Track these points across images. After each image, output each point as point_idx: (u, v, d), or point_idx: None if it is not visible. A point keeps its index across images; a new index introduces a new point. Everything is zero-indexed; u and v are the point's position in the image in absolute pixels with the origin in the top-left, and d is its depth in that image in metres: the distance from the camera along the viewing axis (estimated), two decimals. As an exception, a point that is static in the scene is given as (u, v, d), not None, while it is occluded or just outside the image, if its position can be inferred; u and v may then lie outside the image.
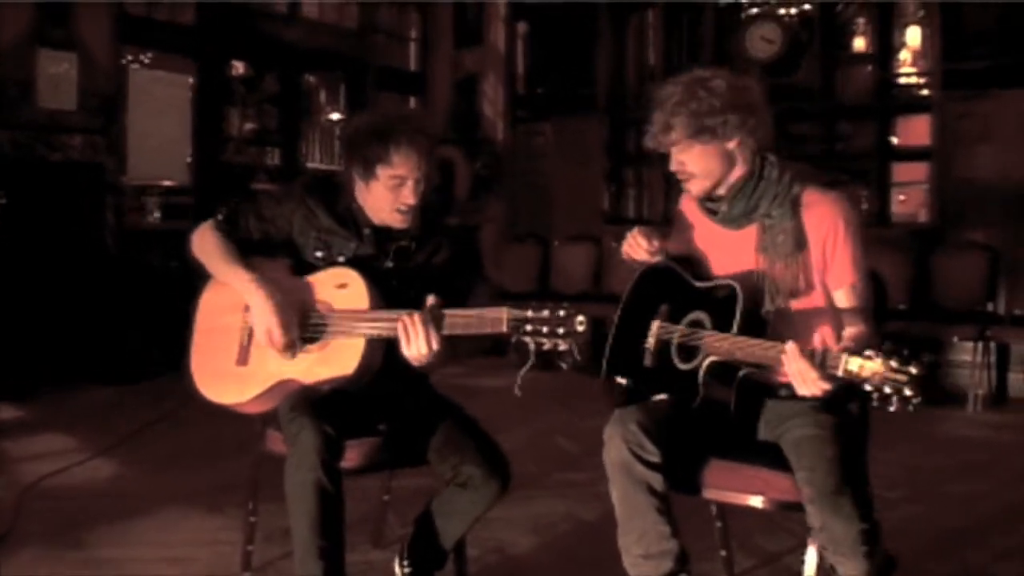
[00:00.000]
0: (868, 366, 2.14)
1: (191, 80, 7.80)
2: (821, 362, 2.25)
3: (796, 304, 2.57)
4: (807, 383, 2.29)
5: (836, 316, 2.57)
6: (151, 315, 6.89)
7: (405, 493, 3.55)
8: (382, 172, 2.70)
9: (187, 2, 7.66)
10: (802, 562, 2.50)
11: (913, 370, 2.10)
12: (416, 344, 2.52)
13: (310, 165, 9.16)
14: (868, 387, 2.14)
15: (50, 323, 6.39)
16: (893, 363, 2.11)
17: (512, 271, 8.21)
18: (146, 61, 7.61)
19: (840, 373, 2.21)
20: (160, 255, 7.16)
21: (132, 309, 6.83)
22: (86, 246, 6.80)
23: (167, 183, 7.74)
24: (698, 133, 2.54)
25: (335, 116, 9.65)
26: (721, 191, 2.64)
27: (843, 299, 2.58)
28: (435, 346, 2.52)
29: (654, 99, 2.63)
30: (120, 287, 6.86)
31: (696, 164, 2.60)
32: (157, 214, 7.75)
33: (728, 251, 2.67)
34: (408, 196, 2.72)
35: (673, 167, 2.65)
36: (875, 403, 2.15)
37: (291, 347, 2.70)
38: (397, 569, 2.90)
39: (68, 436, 5.11)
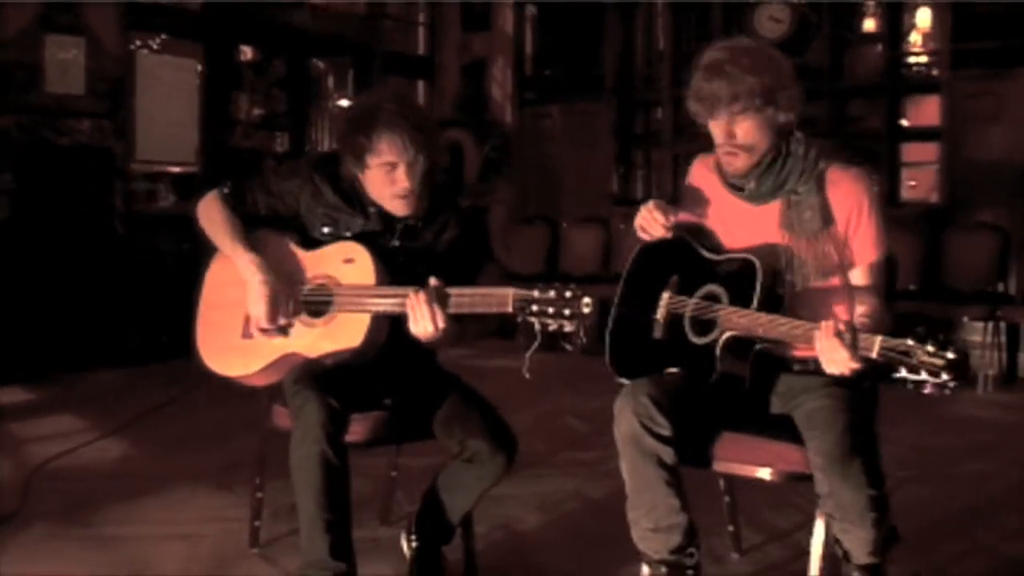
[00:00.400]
0: (903, 349, 2.13)
1: (199, 65, 7.79)
2: (852, 342, 2.23)
3: (815, 282, 2.54)
4: (837, 362, 2.26)
5: (851, 294, 2.55)
6: (160, 298, 6.90)
7: (413, 471, 3.56)
8: (372, 160, 2.69)
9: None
10: (810, 537, 2.49)
11: (950, 355, 2.09)
12: (423, 322, 2.52)
13: (320, 150, 9.16)
14: (904, 370, 2.14)
15: (59, 307, 6.41)
16: (929, 347, 2.11)
17: (521, 253, 8.21)
18: (154, 46, 7.60)
19: (874, 355, 2.19)
20: (168, 239, 7.18)
21: (141, 292, 6.85)
22: (95, 230, 6.82)
23: (175, 167, 7.74)
24: (766, 104, 2.47)
25: (343, 102, 9.63)
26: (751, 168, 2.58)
27: (860, 277, 2.55)
28: (441, 324, 2.52)
29: (702, 66, 2.52)
30: (128, 271, 6.88)
31: (750, 135, 2.51)
32: (165, 198, 7.76)
33: (747, 226, 2.62)
34: (402, 180, 2.69)
35: (720, 139, 2.55)
36: (909, 386, 2.14)
37: (271, 334, 2.71)
38: (404, 543, 2.90)
39: (77, 418, 5.13)
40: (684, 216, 2.73)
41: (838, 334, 2.23)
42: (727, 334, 2.48)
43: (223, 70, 7.98)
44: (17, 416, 5.16)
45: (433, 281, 2.55)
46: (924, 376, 2.09)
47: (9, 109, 6.44)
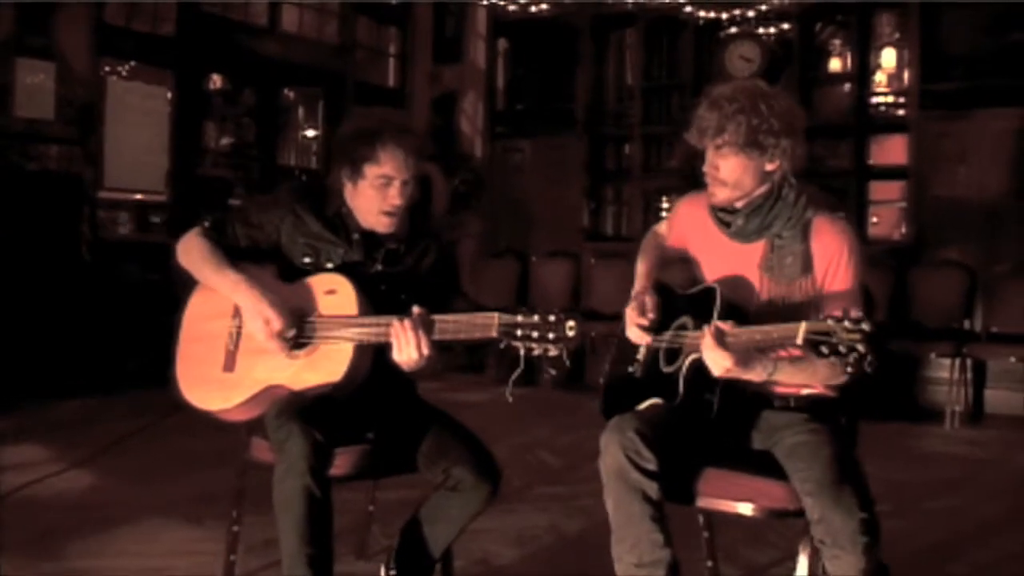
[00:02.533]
0: (825, 329, 2.21)
1: (169, 92, 7.76)
2: (722, 343, 2.36)
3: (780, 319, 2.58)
4: (713, 361, 2.39)
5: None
6: (126, 327, 6.84)
7: (389, 504, 3.52)
8: (369, 171, 2.70)
9: (167, 13, 7.62)
10: (787, 572, 2.50)
11: (865, 327, 2.18)
12: (407, 350, 2.52)
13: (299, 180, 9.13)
14: (824, 350, 2.21)
15: (24, 334, 6.31)
16: (847, 324, 2.19)
17: (491, 286, 8.19)
18: (124, 73, 7.57)
19: (799, 340, 2.26)
20: (135, 267, 7.12)
21: (108, 321, 6.78)
22: (62, 257, 6.75)
23: (144, 195, 7.69)
24: (748, 145, 2.52)
25: (311, 133, 9.64)
26: (739, 204, 2.63)
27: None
28: (426, 351, 2.52)
29: (708, 96, 2.59)
30: (95, 299, 6.79)
31: (731, 174, 2.57)
32: (133, 226, 7.70)
33: (728, 262, 2.68)
34: (395, 197, 2.72)
35: (706, 168, 2.63)
36: (827, 363, 2.30)
37: (288, 338, 2.66)
38: (383, 578, 2.87)
39: (43, 447, 5.04)
40: (670, 236, 2.87)
41: (715, 332, 2.36)
42: (691, 357, 2.53)
43: (193, 98, 7.97)
44: (-18, 445, 5.07)
45: (416, 309, 2.54)
46: (844, 351, 2.18)
47: (-23, 133, 6.38)
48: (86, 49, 7.00)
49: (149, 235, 7.75)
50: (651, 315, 2.66)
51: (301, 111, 9.79)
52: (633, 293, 2.76)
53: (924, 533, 4.02)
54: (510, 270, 8.37)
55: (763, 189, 2.61)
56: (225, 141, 8.72)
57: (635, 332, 2.68)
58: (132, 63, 7.62)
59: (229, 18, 8.06)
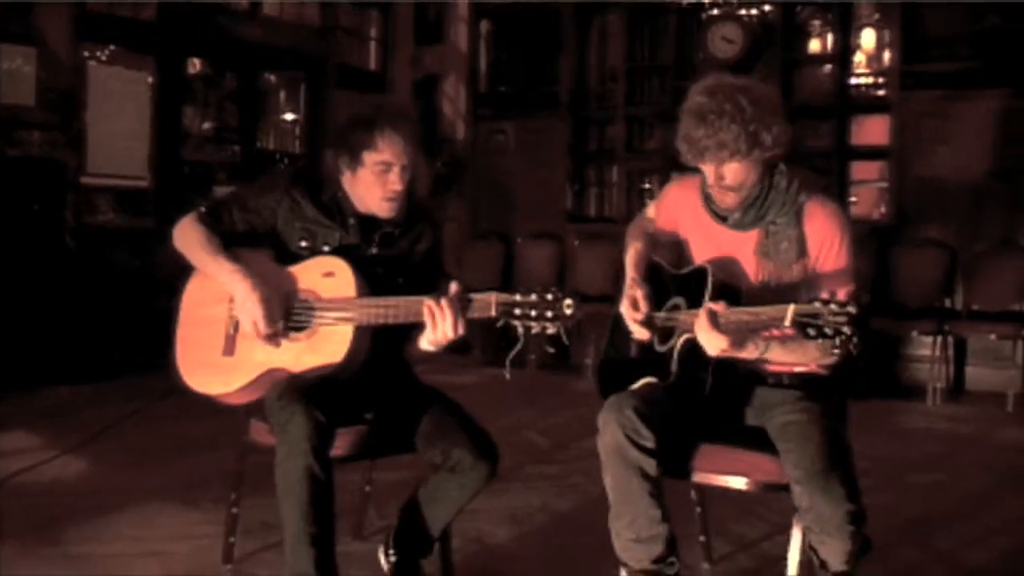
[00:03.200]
0: (813, 312, 2.26)
1: (150, 77, 7.73)
2: (716, 324, 2.41)
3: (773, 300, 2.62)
4: (708, 343, 2.43)
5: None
6: (112, 314, 6.83)
7: (384, 485, 3.58)
8: (368, 158, 2.72)
9: (148, -1, 7.59)
10: (778, 547, 2.55)
11: (851, 309, 2.22)
12: (443, 327, 2.51)
13: (267, 164, 9.11)
14: (812, 332, 2.25)
15: (10, 323, 6.29)
16: (833, 307, 2.24)
17: (475, 268, 8.22)
18: (103, 58, 7.53)
19: (788, 323, 2.30)
20: (120, 253, 7.11)
21: (92, 308, 6.76)
22: (45, 243, 6.70)
23: (126, 180, 7.65)
24: (750, 150, 2.51)
25: (290, 116, 9.61)
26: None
27: None
28: (461, 331, 2.52)
29: (690, 111, 2.56)
30: (79, 286, 6.77)
31: (737, 177, 2.57)
32: (116, 211, 7.67)
33: (723, 248, 2.71)
34: (395, 183, 2.75)
35: (710, 180, 2.61)
36: (815, 345, 2.33)
37: (276, 336, 2.70)
38: (382, 558, 2.91)
39: (33, 435, 5.02)
40: (659, 221, 2.92)
41: (708, 314, 2.41)
42: (683, 337, 2.57)
43: (174, 83, 7.92)
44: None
45: (454, 286, 2.54)
46: (831, 332, 2.23)
47: (-42, 120, 6.34)
48: (66, 35, 6.93)
49: (132, 220, 7.73)
50: (644, 308, 2.68)
51: (282, 95, 9.75)
52: (625, 284, 2.79)
53: (907, 507, 4.09)
54: (494, 252, 8.40)
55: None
56: (207, 125, 8.67)
57: (633, 327, 2.71)
58: (112, 48, 7.58)
59: (210, 2, 8.01)
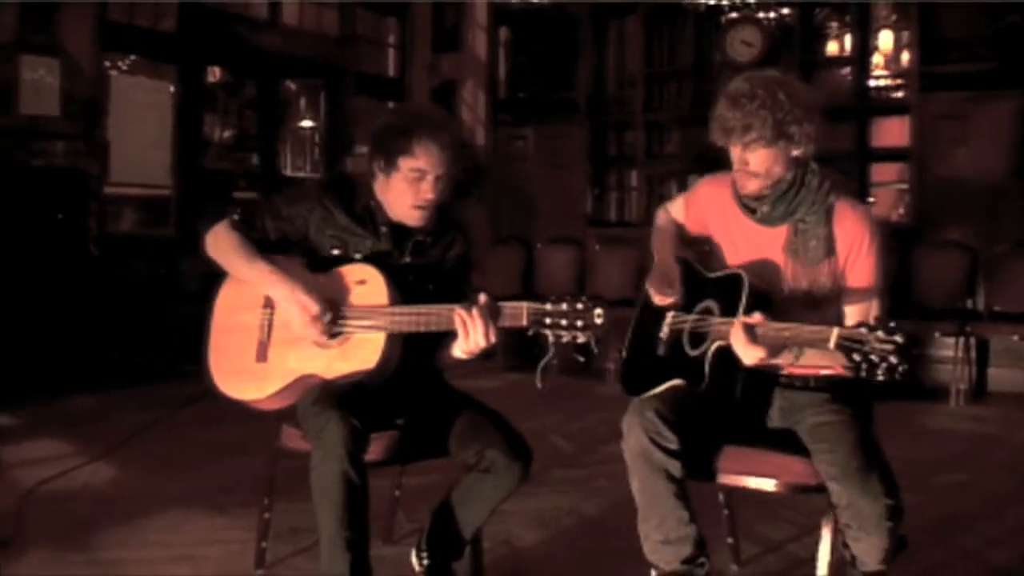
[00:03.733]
0: (859, 338, 2.26)
1: (171, 86, 7.79)
2: (753, 337, 2.44)
3: (803, 306, 2.64)
4: (746, 355, 2.46)
5: (838, 314, 2.65)
6: (135, 321, 6.89)
7: (411, 490, 3.60)
8: (403, 163, 2.73)
9: (168, 9, 7.65)
10: (806, 549, 2.56)
11: (898, 339, 2.23)
12: (475, 337, 2.53)
13: (287, 173, 9.17)
14: (857, 357, 2.26)
15: (34, 330, 6.35)
16: (880, 334, 2.24)
17: (496, 274, 8.23)
18: (124, 68, 7.60)
19: (831, 345, 2.31)
20: (142, 261, 7.17)
21: (116, 315, 6.82)
22: (69, 252, 6.77)
23: (149, 189, 7.73)
24: (777, 138, 2.55)
25: (307, 124, 9.67)
26: (765, 191, 2.68)
27: (858, 312, 2.62)
28: (493, 339, 2.54)
29: (726, 94, 2.62)
30: (103, 293, 6.83)
31: (762, 165, 2.60)
32: (139, 220, 7.75)
33: (753, 245, 2.73)
34: (427, 191, 2.76)
35: (735, 164, 2.66)
36: (862, 374, 2.27)
37: (327, 321, 2.70)
38: (414, 561, 2.93)
39: (61, 442, 5.07)
40: (687, 221, 2.93)
41: (746, 329, 2.42)
42: (716, 344, 2.59)
43: (195, 91, 7.99)
44: (2, 440, 5.10)
45: (483, 297, 2.56)
46: (877, 360, 2.23)
47: (-17, 130, 6.41)
48: (89, 45, 7.01)
49: (155, 229, 7.80)
50: (678, 286, 2.71)
51: (302, 102, 9.82)
52: (655, 264, 2.80)
53: (933, 508, 4.08)
54: (515, 257, 8.42)
55: (789, 175, 2.65)
56: (227, 134, 8.75)
57: (659, 297, 2.73)
58: (134, 58, 7.66)
59: (229, 12, 8.07)
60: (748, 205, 2.72)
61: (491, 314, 2.53)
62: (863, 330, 2.26)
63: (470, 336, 2.53)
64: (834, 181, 2.69)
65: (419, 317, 2.62)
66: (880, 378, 2.28)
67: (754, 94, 2.55)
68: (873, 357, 2.23)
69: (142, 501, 4.02)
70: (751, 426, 2.71)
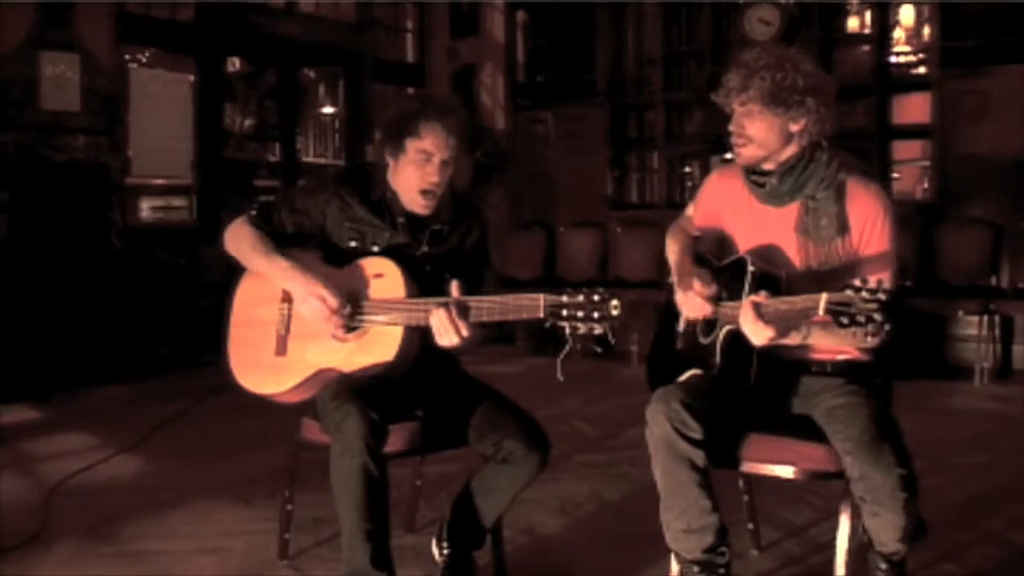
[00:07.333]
0: (845, 300, 2.27)
1: (191, 77, 7.82)
2: (760, 315, 2.43)
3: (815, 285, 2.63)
4: (753, 334, 2.45)
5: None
6: (159, 313, 6.94)
7: (433, 479, 3.63)
8: (410, 145, 2.76)
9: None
10: (826, 533, 2.56)
11: (882, 296, 2.24)
12: (448, 335, 2.60)
13: (306, 160, 9.19)
14: (844, 320, 2.27)
15: (59, 324, 6.42)
16: (864, 294, 2.25)
17: (518, 258, 8.26)
18: (143, 60, 7.63)
19: (821, 312, 2.31)
20: (165, 253, 7.22)
21: (139, 307, 6.88)
22: (93, 246, 6.83)
23: (171, 181, 7.78)
24: (772, 102, 2.57)
25: (328, 110, 9.67)
26: (770, 166, 2.67)
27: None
28: (465, 335, 2.59)
29: (736, 60, 2.65)
30: (127, 286, 6.89)
31: (756, 130, 2.62)
32: (161, 212, 7.79)
33: (764, 227, 2.72)
34: (432, 174, 2.78)
35: (732, 127, 2.67)
36: (854, 336, 2.35)
37: (346, 313, 2.73)
38: (435, 550, 2.96)
39: (87, 435, 5.13)
40: (698, 214, 2.95)
41: (753, 307, 2.43)
42: (725, 328, 2.60)
43: (215, 82, 8.01)
44: (26, 435, 5.16)
45: (455, 293, 2.61)
46: (863, 320, 2.24)
47: (5, 127, 6.44)
48: (108, 39, 7.03)
49: (177, 221, 7.86)
50: (713, 285, 2.71)
51: (321, 90, 9.82)
52: (678, 274, 2.82)
53: (958, 488, 4.07)
54: (537, 241, 8.44)
55: (792, 150, 2.64)
56: (248, 123, 8.77)
57: (697, 304, 2.71)
58: (153, 50, 7.68)
59: (246, 0, 8.08)
60: (757, 181, 2.71)
61: (459, 313, 2.59)
62: (849, 292, 2.27)
63: (443, 335, 2.60)
64: (843, 160, 2.67)
65: (419, 311, 2.66)
66: (870, 339, 2.32)
67: (759, 58, 2.60)
68: (860, 317, 2.24)
69: (169, 492, 4.07)
70: (772, 413, 2.71)
